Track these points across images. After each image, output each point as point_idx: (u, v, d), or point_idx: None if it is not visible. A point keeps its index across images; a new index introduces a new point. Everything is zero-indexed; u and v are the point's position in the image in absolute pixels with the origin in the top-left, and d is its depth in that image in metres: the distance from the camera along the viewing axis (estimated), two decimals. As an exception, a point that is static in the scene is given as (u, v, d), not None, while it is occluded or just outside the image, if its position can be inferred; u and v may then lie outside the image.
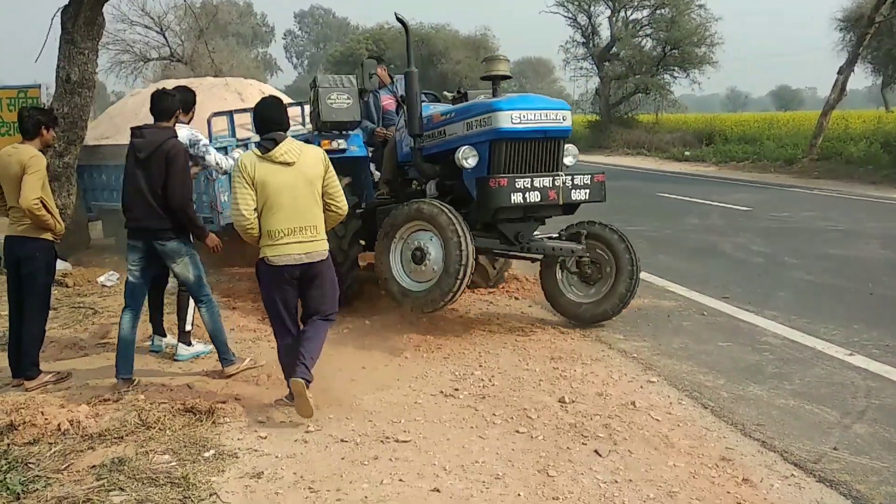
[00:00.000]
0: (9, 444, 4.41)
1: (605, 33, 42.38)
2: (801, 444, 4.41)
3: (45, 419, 4.65)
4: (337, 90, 7.45)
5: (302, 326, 5.03)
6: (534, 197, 6.29)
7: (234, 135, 9.04)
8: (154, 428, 4.65)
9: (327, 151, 6.82)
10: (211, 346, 6.10)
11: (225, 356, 5.75)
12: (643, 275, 8.82)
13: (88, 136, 10.39)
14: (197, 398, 5.10)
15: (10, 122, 10.28)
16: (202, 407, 4.92)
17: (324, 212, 4.89)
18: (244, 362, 5.83)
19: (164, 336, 6.44)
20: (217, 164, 6.28)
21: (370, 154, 8.02)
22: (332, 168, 4.91)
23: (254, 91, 10.95)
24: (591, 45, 42.75)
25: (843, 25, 33.67)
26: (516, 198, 6.24)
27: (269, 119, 4.85)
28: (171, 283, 6.34)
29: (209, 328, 5.76)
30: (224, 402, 5.04)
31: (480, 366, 5.87)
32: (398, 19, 7.08)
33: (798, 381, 5.42)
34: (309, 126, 9.55)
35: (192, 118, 6.27)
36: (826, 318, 6.78)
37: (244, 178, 4.69)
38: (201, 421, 4.78)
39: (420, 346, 6.29)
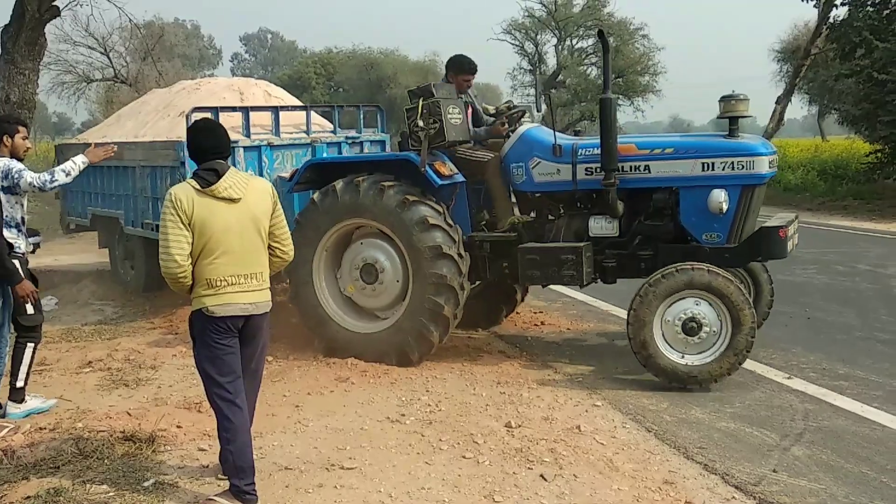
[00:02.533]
0: (-62, 476, 4.26)
1: (551, 61, 43.06)
2: (741, 466, 4.48)
3: (-23, 449, 4.50)
4: (452, 103, 6.64)
5: None
6: (794, 243, 6.20)
7: None
8: (92, 457, 4.53)
9: (445, 179, 6.42)
10: (53, 402, 5.61)
11: None
12: (587, 298, 8.95)
13: (89, 136, 10.15)
14: (137, 426, 4.98)
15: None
16: (142, 435, 4.81)
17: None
18: (4, 430, 5.06)
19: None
20: (30, 183, 5.44)
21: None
22: (279, 205, 4.20)
23: (258, 92, 10.08)
24: (538, 72, 43.35)
25: (781, 56, 34.80)
26: (790, 246, 6.11)
27: (209, 147, 4.04)
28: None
29: None
30: (165, 430, 4.94)
31: (427, 391, 5.85)
32: (600, 36, 6.44)
33: (739, 404, 5.51)
34: (320, 135, 9.03)
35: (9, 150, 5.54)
36: (766, 342, 6.92)
37: (179, 216, 3.87)
38: (141, 449, 4.67)
39: (366, 372, 6.24)
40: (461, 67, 7.08)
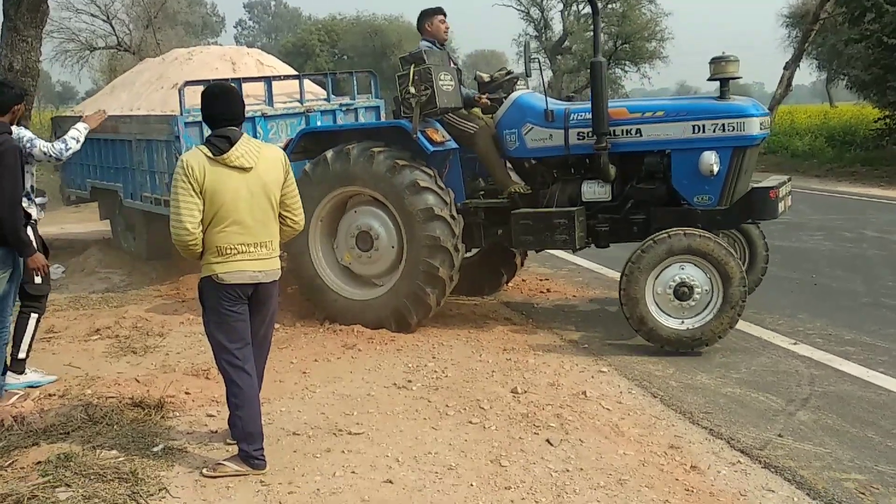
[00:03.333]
0: (-50, 441, 4.30)
1: (557, 27, 42.64)
2: (747, 431, 4.50)
3: (-12, 415, 4.55)
4: (444, 69, 6.50)
5: None
6: (786, 205, 6.16)
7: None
8: (101, 423, 4.57)
9: (437, 145, 6.40)
10: (52, 378, 5.52)
11: None
12: (593, 265, 8.95)
13: (86, 108, 10.10)
14: (146, 392, 5.02)
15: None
16: (151, 401, 4.85)
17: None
18: (12, 399, 5.04)
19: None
20: (45, 153, 5.39)
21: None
22: (291, 173, 4.16)
23: (250, 61, 10.00)
24: (543, 38, 42.95)
25: (790, 21, 34.39)
26: (781, 207, 6.08)
27: (221, 113, 3.98)
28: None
29: None
30: (173, 397, 4.98)
31: (433, 357, 5.88)
32: (589, 1, 6.44)
33: (744, 369, 5.52)
34: (314, 104, 8.94)
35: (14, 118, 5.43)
36: (771, 308, 6.92)
37: (190, 184, 3.83)
38: (150, 415, 4.71)
39: (373, 339, 6.27)
40: (431, 11, 6.92)
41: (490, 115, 6.83)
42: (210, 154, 3.89)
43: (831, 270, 8.50)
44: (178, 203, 3.87)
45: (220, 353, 4.05)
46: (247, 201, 3.94)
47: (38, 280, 5.39)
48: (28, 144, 5.35)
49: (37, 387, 5.37)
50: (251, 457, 4.00)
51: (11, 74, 9.32)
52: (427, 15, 6.95)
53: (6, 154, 4.84)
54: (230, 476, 3.97)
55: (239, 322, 4.04)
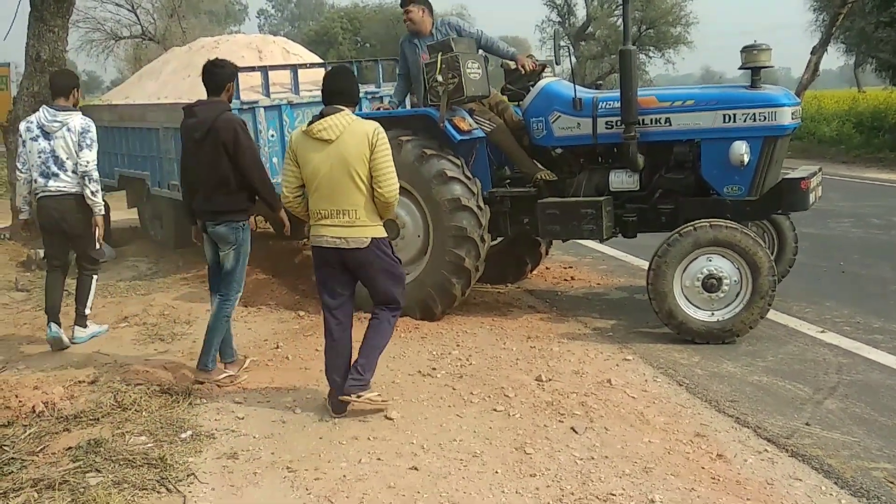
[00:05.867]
0: (-18, 427, 4.38)
1: (580, 13, 42.33)
2: (774, 419, 4.47)
3: (20, 401, 4.63)
4: (471, 57, 6.46)
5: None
6: (816, 196, 6.11)
7: (237, 97, 7.94)
8: (130, 409, 4.63)
9: (465, 134, 6.39)
10: (106, 327, 6.46)
11: (204, 360, 5.20)
12: (617, 253, 8.91)
13: (112, 97, 10.19)
14: (173, 379, 5.08)
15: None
16: (178, 388, 4.91)
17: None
18: (221, 375, 5.24)
19: (60, 324, 6.08)
20: (88, 161, 5.89)
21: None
22: (383, 147, 4.40)
23: (276, 49, 9.96)
24: (567, 24, 42.66)
25: (817, 5, 33.82)
26: (812, 198, 6.03)
27: (330, 90, 4.50)
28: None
29: (209, 322, 5.26)
30: (201, 383, 5.03)
31: (458, 345, 5.89)
32: None
33: (771, 357, 5.49)
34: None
35: (76, 102, 6.18)
36: (799, 296, 6.86)
37: (289, 153, 4.52)
38: (178, 402, 4.77)
39: (397, 327, 6.22)
40: (400, 5, 6.97)
41: (516, 103, 6.80)
42: (304, 128, 4.45)
43: (859, 258, 8.40)
44: (283, 169, 4.59)
45: (321, 304, 4.73)
46: (326, 171, 4.37)
47: (97, 246, 6.23)
48: (88, 141, 5.93)
49: (99, 336, 6.31)
50: (330, 395, 4.63)
51: (38, 64, 9.43)
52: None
53: (237, 129, 5.04)
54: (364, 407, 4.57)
55: (329, 281, 4.60)
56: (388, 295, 4.65)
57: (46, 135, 5.90)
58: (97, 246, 6.19)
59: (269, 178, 5.34)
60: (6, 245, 9.52)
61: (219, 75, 5.16)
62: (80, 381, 5.15)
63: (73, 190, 5.93)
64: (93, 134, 5.95)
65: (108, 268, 9.18)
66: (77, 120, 5.93)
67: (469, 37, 6.82)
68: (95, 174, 5.93)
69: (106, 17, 27.74)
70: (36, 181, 5.95)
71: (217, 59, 5.32)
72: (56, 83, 6.14)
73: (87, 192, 5.93)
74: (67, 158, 5.89)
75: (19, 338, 6.36)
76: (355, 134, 4.35)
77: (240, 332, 6.24)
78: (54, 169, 5.89)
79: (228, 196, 5.08)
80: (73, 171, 5.90)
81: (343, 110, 4.41)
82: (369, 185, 4.41)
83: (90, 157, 5.90)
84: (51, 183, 5.90)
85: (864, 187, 14.58)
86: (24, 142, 6.00)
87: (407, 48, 7.08)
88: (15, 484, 3.76)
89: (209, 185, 5.07)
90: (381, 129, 4.44)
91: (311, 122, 4.42)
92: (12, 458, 4.02)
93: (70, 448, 4.13)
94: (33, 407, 4.59)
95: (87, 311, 6.24)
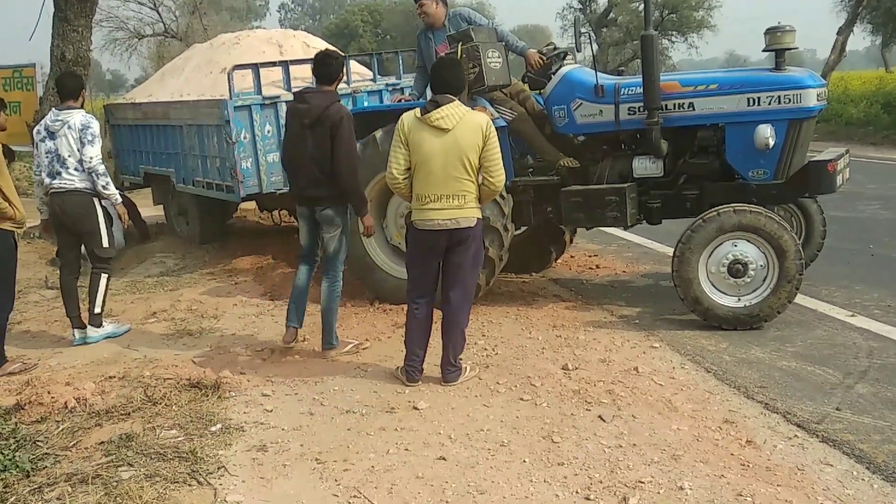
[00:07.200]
0: (17, 423, 4.44)
1: (602, -1, 42.01)
2: (803, 405, 4.43)
3: (52, 397, 4.68)
4: (491, 46, 6.44)
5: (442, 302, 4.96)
6: (844, 178, 6.06)
7: (259, 92, 8.06)
8: (160, 404, 4.68)
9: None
10: (127, 327, 6.36)
11: (328, 339, 5.55)
12: (643, 240, 8.86)
13: (136, 95, 10.28)
14: (202, 373, 5.12)
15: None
16: (208, 382, 4.94)
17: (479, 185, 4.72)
18: (347, 347, 5.60)
19: (84, 328, 6.19)
20: (92, 157, 5.96)
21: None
22: (493, 139, 4.66)
23: (296, 44, 10.02)
24: (588, 11, 42.35)
25: (843, -15, 33.31)
26: (839, 181, 5.98)
27: (441, 80, 4.74)
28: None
29: (322, 305, 5.54)
30: (229, 377, 5.07)
31: (483, 335, 5.89)
32: None
33: (800, 343, 5.43)
34: (360, 84, 8.92)
35: (83, 102, 6.25)
36: (827, 279, 6.78)
37: (400, 136, 4.67)
38: (207, 396, 4.81)
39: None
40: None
41: (537, 91, 6.77)
42: (418, 114, 4.64)
43: (889, 240, 8.29)
44: (391, 151, 4.74)
45: (409, 285, 4.98)
46: (440, 158, 4.58)
47: (104, 243, 6.17)
48: (89, 137, 5.96)
49: (115, 337, 6.20)
50: (405, 367, 4.98)
51: (63, 64, 9.53)
52: None
53: (343, 121, 5.20)
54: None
55: (425, 265, 4.86)
56: (471, 277, 4.94)
57: (52, 135, 5.99)
58: (105, 242, 6.17)
59: (358, 178, 5.45)
60: (36, 244, 9.63)
61: (332, 66, 5.38)
62: (110, 377, 5.21)
63: (74, 186, 6.00)
64: (94, 130, 6.00)
65: (135, 263, 9.29)
66: (77, 117, 6.00)
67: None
68: (101, 168, 5.99)
69: (129, 16, 27.95)
70: (45, 181, 6.06)
71: (328, 50, 5.60)
72: (65, 86, 6.19)
73: (99, 187, 6.02)
74: (69, 156, 5.96)
75: (50, 335, 6.44)
76: (470, 125, 4.61)
77: (267, 325, 6.29)
78: (58, 167, 5.98)
79: (333, 181, 5.27)
80: (76, 168, 5.98)
81: (454, 100, 4.66)
82: (477, 173, 4.66)
83: (93, 152, 5.96)
84: (56, 181, 5.99)
85: (893, 169, 14.37)
86: (36, 145, 6.11)
87: (422, 41, 7.06)
88: (49, 478, 3.82)
89: (315, 170, 5.27)
90: (492, 122, 4.71)
91: (423, 109, 4.63)
92: (46, 454, 4.07)
93: (102, 443, 4.18)
94: (65, 403, 4.64)
95: (97, 311, 6.17)
